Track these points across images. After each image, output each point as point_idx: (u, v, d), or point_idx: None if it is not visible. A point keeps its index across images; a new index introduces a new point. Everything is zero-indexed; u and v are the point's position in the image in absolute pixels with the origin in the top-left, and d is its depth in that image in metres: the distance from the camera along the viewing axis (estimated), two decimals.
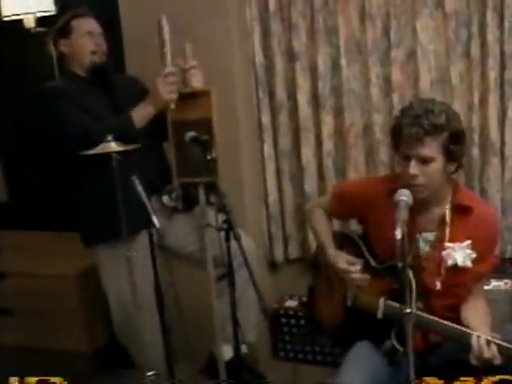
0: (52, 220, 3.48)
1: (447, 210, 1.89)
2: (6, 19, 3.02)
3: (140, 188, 1.91)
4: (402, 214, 1.57)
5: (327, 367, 2.87)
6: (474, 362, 1.75)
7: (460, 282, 1.90)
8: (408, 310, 1.56)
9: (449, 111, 1.86)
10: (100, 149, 1.98)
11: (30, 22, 3.05)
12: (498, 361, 1.70)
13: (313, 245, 2.94)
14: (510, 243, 2.68)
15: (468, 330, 1.79)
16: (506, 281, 2.52)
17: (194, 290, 2.47)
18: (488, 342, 1.71)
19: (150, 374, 2.16)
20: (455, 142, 1.82)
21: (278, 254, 3.08)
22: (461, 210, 1.90)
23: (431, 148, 1.79)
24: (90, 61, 2.40)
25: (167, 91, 2.19)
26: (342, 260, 2.06)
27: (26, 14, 3.01)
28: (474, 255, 1.87)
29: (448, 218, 1.89)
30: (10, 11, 2.99)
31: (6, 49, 3.35)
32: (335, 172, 2.91)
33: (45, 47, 3.16)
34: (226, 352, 2.70)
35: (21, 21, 3.05)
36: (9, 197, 3.67)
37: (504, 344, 1.71)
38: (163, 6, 2.67)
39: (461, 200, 1.91)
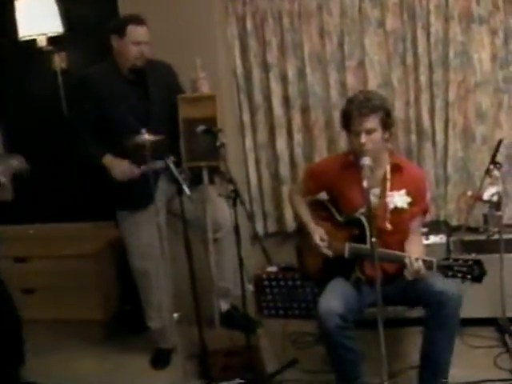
0: (58, 212, 3.95)
1: (388, 169, 2.53)
2: (22, 39, 3.47)
3: (173, 166, 2.47)
4: (367, 172, 2.21)
5: (303, 320, 3.43)
6: (407, 274, 2.36)
7: (401, 220, 2.53)
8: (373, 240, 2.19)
9: (381, 97, 2.52)
10: (136, 139, 2.53)
11: (42, 42, 3.51)
12: (423, 271, 2.33)
13: (287, 221, 3.58)
14: (442, 208, 3.39)
15: (403, 254, 2.41)
16: (440, 236, 3.13)
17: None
18: (416, 259, 2.34)
19: (175, 315, 2.70)
20: (388, 117, 2.47)
21: (259, 229, 3.65)
22: (396, 169, 2.54)
23: (374, 122, 2.43)
24: (132, 63, 2.81)
25: (123, 176, 2.79)
26: (317, 236, 2.64)
27: (40, 34, 3.48)
28: (409, 200, 2.51)
29: (388, 175, 2.53)
30: (27, 32, 3.44)
31: (19, 63, 3.79)
32: (304, 159, 3.51)
33: (51, 63, 3.70)
34: (223, 305, 3.28)
35: (34, 40, 3.50)
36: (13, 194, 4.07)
37: (426, 258, 2.35)
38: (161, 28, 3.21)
39: (395, 161, 2.56)
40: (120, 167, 2.82)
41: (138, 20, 2.82)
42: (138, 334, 3.36)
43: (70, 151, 3.51)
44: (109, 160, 2.85)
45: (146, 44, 2.82)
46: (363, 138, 2.43)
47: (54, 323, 3.60)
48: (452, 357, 2.50)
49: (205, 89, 2.85)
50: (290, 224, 3.54)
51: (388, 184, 2.54)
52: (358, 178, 2.25)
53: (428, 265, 2.35)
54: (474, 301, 2.99)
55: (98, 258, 3.52)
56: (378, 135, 2.46)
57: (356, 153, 2.50)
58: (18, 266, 3.61)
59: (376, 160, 2.50)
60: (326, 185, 2.71)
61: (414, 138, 3.33)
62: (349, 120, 2.49)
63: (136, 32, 2.79)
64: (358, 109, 2.44)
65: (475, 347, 2.96)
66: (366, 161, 2.28)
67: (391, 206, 2.52)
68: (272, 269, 3.61)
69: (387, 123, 2.48)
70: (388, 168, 2.55)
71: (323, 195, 2.80)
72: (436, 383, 2.52)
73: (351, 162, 2.56)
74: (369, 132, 2.44)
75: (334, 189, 2.67)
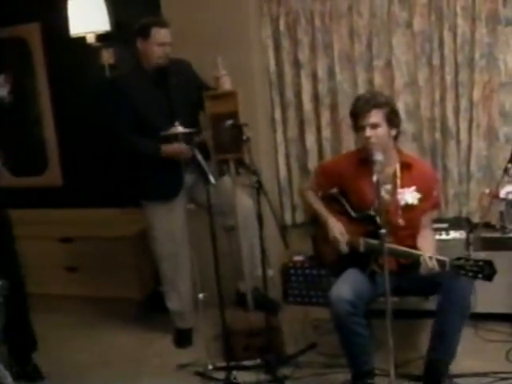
0: (103, 198, 4.23)
1: (397, 167, 2.65)
2: (73, 36, 3.74)
3: (200, 156, 2.67)
4: (378, 168, 2.33)
5: (326, 307, 3.50)
6: (422, 271, 2.46)
7: (413, 216, 2.64)
8: (383, 231, 2.32)
9: (387, 97, 2.67)
10: (171, 131, 2.74)
11: (91, 39, 3.77)
12: (436, 269, 2.42)
13: None
14: (464, 205, 3.46)
15: (417, 252, 2.51)
16: (461, 232, 3.22)
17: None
18: (430, 258, 2.44)
19: (201, 295, 2.90)
20: (393, 114, 2.59)
21: (288, 219, 3.82)
22: (405, 167, 2.65)
23: (377, 117, 2.56)
24: (156, 63, 3.01)
25: (182, 156, 2.90)
26: (337, 231, 2.77)
27: (89, 32, 3.74)
28: (419, 196, 2.62)
29: (398, 172, 2.65)
30: (77, 30, 3.71)
31: (71, 58, 4.09)
32: (332, 154, 3.63)
33: (99, 58, 3.94)
34: (244, 287, 3.45)
35: (84, 37, 3.77)
36: (63, 181, 4.39)
37: (439, 258, 2.43)
38: (201, 28, 3.42)
39: (404, 159, 2.67)
40: (178, 153, 2.92)
41: (161, 22, 3.02)
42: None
43: (112, 144, 3.64)
44: (167, 151, 3.00)
45: (169, 45, 3.02)
46: (368, 132, 2.57)
47: (92, 300, 3.88)
48: (460, 339, 2.59)
49: (227, 85, 3.02)
50: None
51: (398, 181, 2.66)
52: (369, 174, 2.37)
53: (441, 264, 2.44)
54: (491, 296, 3.06)
55: (135, 242, 3.78)
56: (382, 130, 2.58)
57: (365, 149, 2.62)
58: (63, 246, 3.91)
59: (384, 157, 2.57)
60: (338, 181, 2.81)
61: (438, 136, 3.41)
62: (355, 117, 2.63)
63: (160, 34, 2.98)
64: (362, 105, 2.58)
65: (489, 341, 3.04)
66: (379, 156, 2.39)
67: (402, 202, 2.64)
68: (298, 258, 3.78)
69: (392, 120, 2.60)
70: (397, 166, 2.67)
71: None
72: (442, 363, 2.63)
73: (362, 159, 2.67)
74: (373, 126, 2.57)
75: (346, 185, 2.78)
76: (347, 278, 2.67)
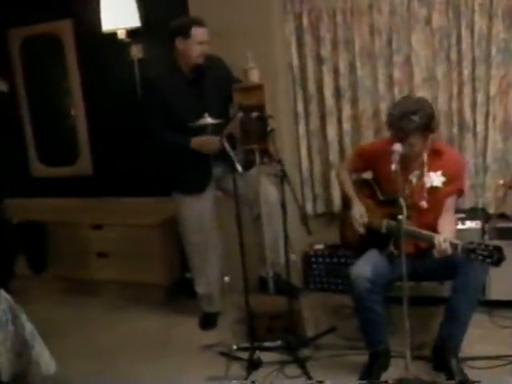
0: (131, 188, 4.41)
1: (425, 155, 2.76)
2: (105, 32, 3.92)
3: (228, 146, 2.82)
4: (396, 157, 2.47)
5: (346, 294, 3.49)
6: (435, 253, 2.56)
7: (437, 198, 2.76)
8: (401, 217, 2.47)
9: (424, 106, 2.64)
10: (200, 122, 2.90)
11: (122, 34, 3.94)
12: (449, 251, 2.52)
13: (335, 203, 3.85)
14: (480, 196, 3.55)
15: (432, 234, 2.60)
16: (476, 222, 3.31)
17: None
18: (444, 240, 2.54)
19: (226, 278, 3.06)
20: (428, 124, 2.64)
21: (309, 209, 3.95)
22: (435, 153, 2.76)
23: (413, 139, 2.62)
24: (195, 62, 3.15)
25: (212, 149, 3.09)
26: (358, 212, 2.92)
27: (120, 28, 3.90)
28: (444, 179, 2.74)
29: (425, 159, 2.76)
30: (110, 26, 3.88)
31: (102, 53, 4.25)
32: (352, 146, 3.74)
33: (129, 53, 4.10)
34: (267, 272, 3.59)
35: (115, 33, 3.93)
36: (93, 171, 4.56)
37: (453, 241, 2.54)
38: (226, 24, 3.56)
39: (434, 147, 2.78)
40: (207, 144, 3.11)
41: (199, 22, 3.15)
42: (196, 298, 3.68)
43: (142, 138, 3.86)
44: (196, 142, 3.17)
45: (207, 43, 3.16)
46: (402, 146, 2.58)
47: (123, 285, 4.05)
48: (471, 318, 2.69)
49: (254, 78, 3.16)
50: (337, 205, 3.80)
51: (426, 167, 2.77)
52: (400, 162, 2.48)
53: (454, 246, 2.54)
54: (505, 284, 3.18)
55: (163, 229, 3.93)
56: (419, 144, 2.67)
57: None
58: (95, 233, 4.09)
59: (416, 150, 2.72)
60: (372, 165, 2.97)
61: (455, 129, 3.50)
62: (391, 129, 2.68)
63: (199, 32, 3.12)
64: (396, 129, 2.62)
65: (503, 327, 3.14)
66: (397, 146, 2.53)
67: (428, 184, 2.76)
68: (319, 246, 3.91)
69: (429, 130, 2.66)
70: (425, 154, 2.76)
71: (368, 174, 3.08)
72: (452, 337, 2.73)
73: None
74: (409, 145, 2.63)
75: (379, 170, 2.92)
76: (367, 258, 2.81)
